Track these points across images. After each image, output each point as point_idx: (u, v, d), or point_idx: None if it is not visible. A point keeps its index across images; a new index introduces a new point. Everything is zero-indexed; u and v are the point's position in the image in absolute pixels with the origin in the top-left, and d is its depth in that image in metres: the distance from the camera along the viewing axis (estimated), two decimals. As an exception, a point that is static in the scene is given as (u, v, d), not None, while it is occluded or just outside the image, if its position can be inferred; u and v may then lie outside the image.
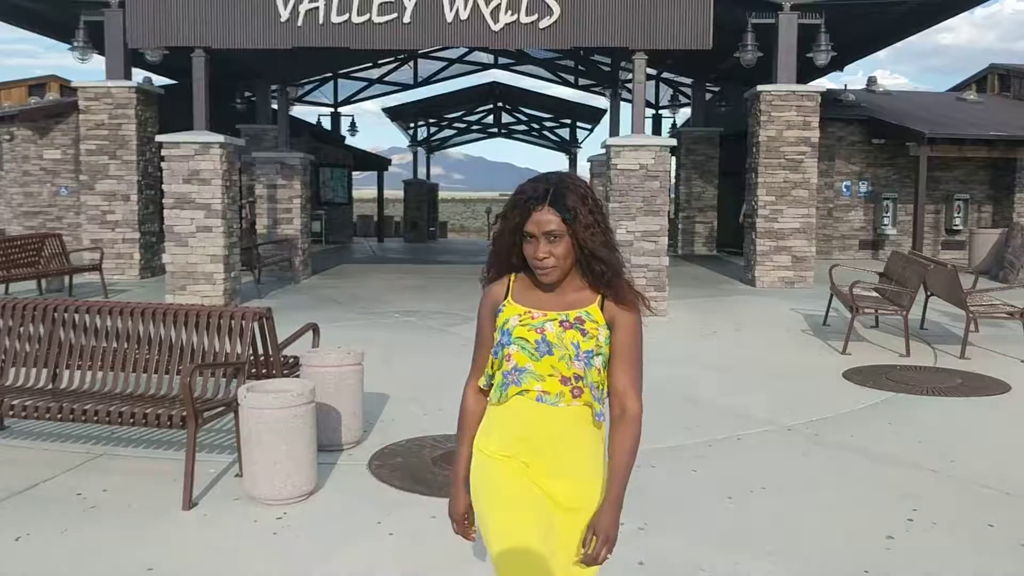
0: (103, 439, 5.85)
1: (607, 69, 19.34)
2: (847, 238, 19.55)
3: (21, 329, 5.64)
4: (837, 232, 19.48)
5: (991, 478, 5.25)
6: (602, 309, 2.43)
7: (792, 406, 7.01)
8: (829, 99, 17.92)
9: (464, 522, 2.61)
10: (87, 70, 16.81)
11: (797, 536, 4.40)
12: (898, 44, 18.18)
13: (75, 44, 14.18)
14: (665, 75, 23.09)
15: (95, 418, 4.94)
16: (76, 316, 5.59)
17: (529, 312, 2.42)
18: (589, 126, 29.49)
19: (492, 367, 2.49)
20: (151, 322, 5.47)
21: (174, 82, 18.91)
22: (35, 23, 16.30)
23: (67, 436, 5.90)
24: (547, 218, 2.34)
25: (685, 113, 24.23)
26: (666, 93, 24.54)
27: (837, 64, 17.04)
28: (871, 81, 23.23)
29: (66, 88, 23.61)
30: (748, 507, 4.80)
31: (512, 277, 2.51)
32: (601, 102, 25.82)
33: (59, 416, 4.98)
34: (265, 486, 4.70)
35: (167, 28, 11.47)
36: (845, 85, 22.51)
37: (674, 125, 25.13)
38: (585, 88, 25.23)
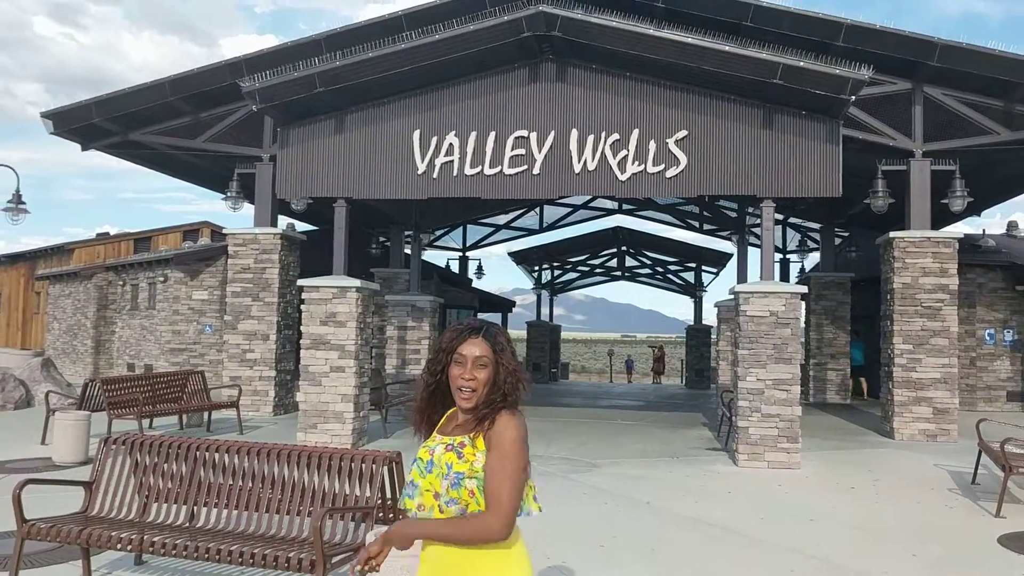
0: (233, 578, 5.95)
1: (733, 215, 19.37)
2: (993, 389, 18.47)
3: (165, 466, 5.90)
4: (982, 382, 18.45)
5: None
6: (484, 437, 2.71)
7: (943, 575, 6.50)
8: (967, 245, 17.35)
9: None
10: (231, 215, 18.07)
11: None
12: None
13: (228, 194, 15.26)
14: (792, 219, 22.94)
15: (229, 558, 5.05)
16: (216, 456, 5.81)
17: (434, 436, 2.80)
18: (715, 269, 29.34)
19: None
20: (285, 463, 5.63)
21: (314, 228, 20.08)
22: (197, 176, 17.83)
23: (200, 573, 6.03)
24: (479, 346, 2.75)
25: (814, 258, 23.90)
26: (794, 237, 24.34)
27: (974, 209, 16.57)
28: (1011, 226, 22.42)
29: (216, 233, 25.38)
30: None
31: (448, 414, 2.85)
32: (727, 246, 25.73)
33: (195, 555, 5.12)
34: (388, 637, 4.64)
35: (313, 180, 12.30)
36: (983, 230, 21.77)
37: (802, 270, 24.76)
38: (710, 232, 25.28)
